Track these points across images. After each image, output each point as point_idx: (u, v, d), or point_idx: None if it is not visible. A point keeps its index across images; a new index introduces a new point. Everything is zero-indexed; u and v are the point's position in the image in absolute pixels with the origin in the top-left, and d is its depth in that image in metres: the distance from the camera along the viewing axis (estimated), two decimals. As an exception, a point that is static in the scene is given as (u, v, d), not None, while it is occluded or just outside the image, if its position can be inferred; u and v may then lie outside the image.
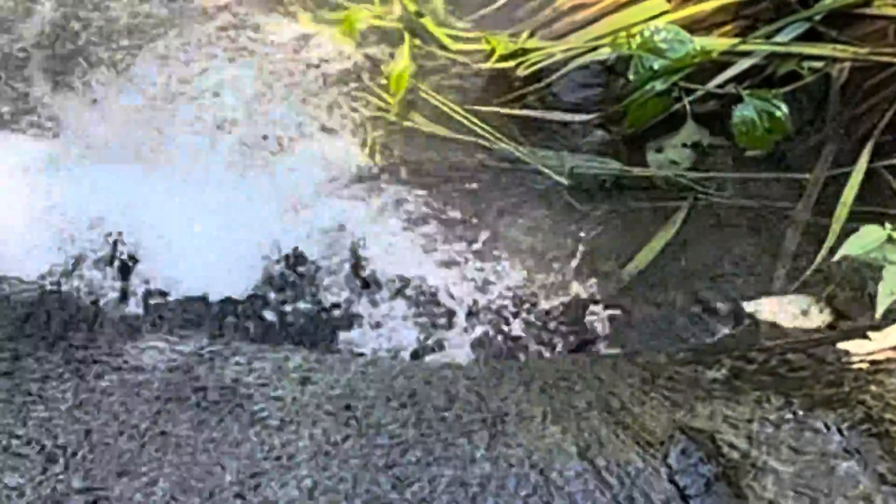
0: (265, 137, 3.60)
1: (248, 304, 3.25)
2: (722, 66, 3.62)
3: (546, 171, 3.54)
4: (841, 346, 3.01)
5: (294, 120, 3.67)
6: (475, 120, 3.67)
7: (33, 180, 3.47)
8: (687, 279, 3.34)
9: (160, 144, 3.60)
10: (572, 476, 2.76)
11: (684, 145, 3.56)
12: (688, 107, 3.57)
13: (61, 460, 2.74)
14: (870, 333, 3.01)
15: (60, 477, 2.70)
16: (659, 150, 3.56)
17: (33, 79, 3.76)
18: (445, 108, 3.70)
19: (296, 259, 3.32)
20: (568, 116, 3.68)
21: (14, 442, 2.76)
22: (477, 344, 3.19)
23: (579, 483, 2.75)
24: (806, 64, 3.61)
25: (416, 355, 3.16)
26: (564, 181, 3.52)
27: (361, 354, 3.13)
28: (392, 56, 3.85)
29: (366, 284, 3.26)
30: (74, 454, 2.75)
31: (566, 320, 3.24)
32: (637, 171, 3.54)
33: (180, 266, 3.30)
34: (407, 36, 3.87)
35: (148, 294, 3.25)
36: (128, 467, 2.73)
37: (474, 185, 3.53)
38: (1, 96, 3.70)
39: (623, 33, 3.68)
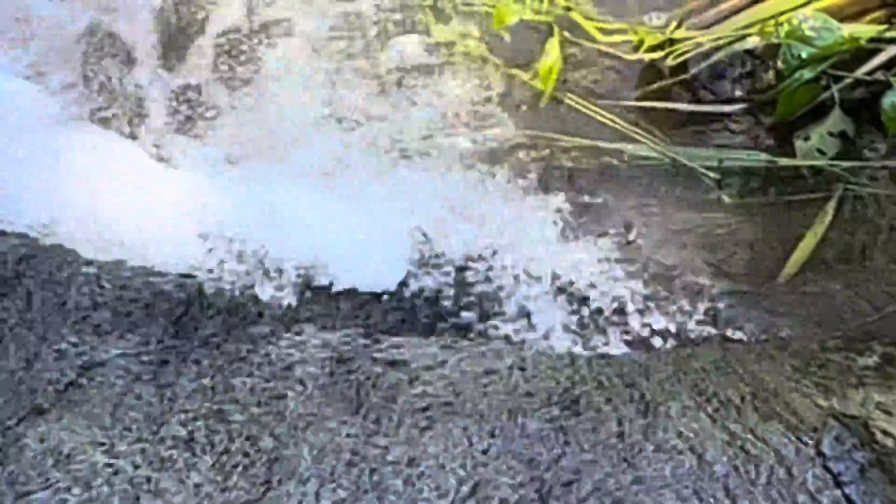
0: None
1: (397, 295, 3.32)
2: (870, 53, 3.59)
3: (695, 166, 3.57)
4: None
5: (439, 117, 3.73)
6: (624, 113, 3.71)
7: (178, 175, 3.56)
8: (837, 270, 3.35)
9: (303, 136, 3.68)
10: (725, 463, 2.81)
11: (830, 134, 3.55)
12: (836, 95, 3.56)
13: (214, 459, 2.85)
14: None
15: (212, 477, 2.81)
16: (806, 139, 3.56)
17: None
18: (594, 102, 3.75)
19: (440, 251, 3.39)
20: (716, 107, 3.70)
21: (165, 436, 2.88)
22: (628, 337, 3.25)
23: (732, 470, 2.80)
24: (954, 49, 3.57)
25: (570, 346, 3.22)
26: (714, 175, 3.55)
27: (513, 344, 3.19)
28: (539, 50, 3.90)
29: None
30: (226, 451, 2.86)
31: (720, 314, 3.29)
32: (784, 161, 3.54)
33: (329, 258, 3.36)
34: (556, 29, 3.91)
35: (299, 287, 3.31)
36: (279, 464, 2.84)
37: (623, 181, 3.56)
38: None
39: (771, 22, 3.68)
